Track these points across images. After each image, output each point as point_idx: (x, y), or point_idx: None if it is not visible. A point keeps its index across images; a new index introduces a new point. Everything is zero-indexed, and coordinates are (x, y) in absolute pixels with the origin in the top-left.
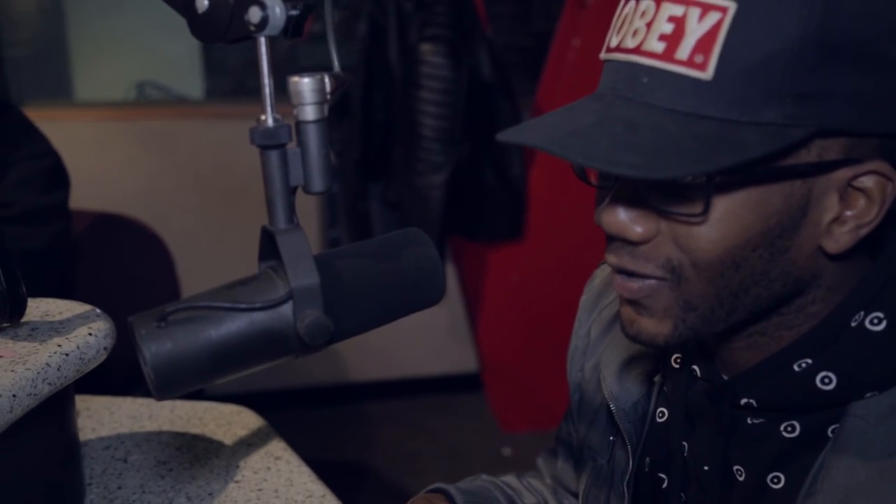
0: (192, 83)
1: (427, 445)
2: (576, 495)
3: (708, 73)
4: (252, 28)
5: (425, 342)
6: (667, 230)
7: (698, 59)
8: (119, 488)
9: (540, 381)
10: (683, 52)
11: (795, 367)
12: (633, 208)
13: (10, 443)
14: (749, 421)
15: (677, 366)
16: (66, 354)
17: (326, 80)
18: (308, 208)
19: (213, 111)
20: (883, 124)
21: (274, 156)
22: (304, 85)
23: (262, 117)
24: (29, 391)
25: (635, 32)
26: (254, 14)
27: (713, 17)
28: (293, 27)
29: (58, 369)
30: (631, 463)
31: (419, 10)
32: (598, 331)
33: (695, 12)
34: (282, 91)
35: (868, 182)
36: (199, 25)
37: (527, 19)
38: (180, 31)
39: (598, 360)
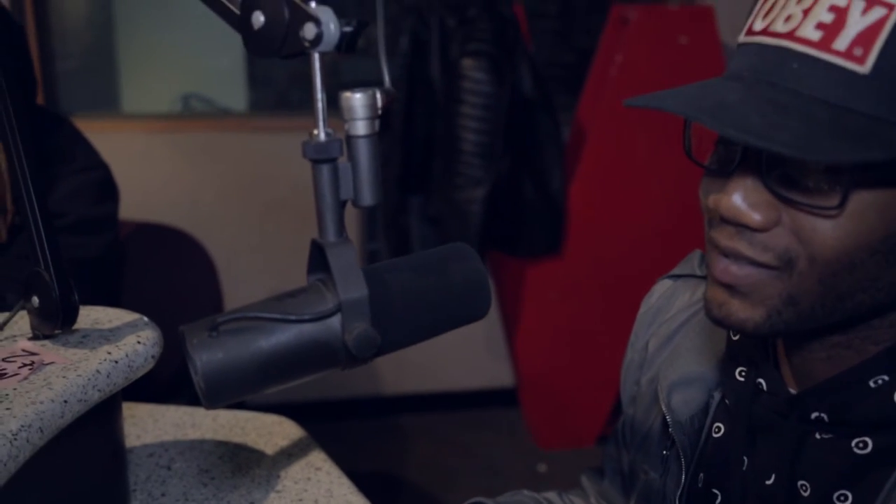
0: (236, 96)
1: (462, 460)
2: None
3: (865, 68)
4: (307, 44)
5: (462, 356)
6: (788, 221)
7: (857, 52)
8: (163, 495)
9: (576, 397)
10: (842, 43)
11: (871, 384)
12: (754, 195)
13: (60, 447)
14: (818, 436)
15: (742, 379)
16: (116, 362)
17: (378, 95)
18: (347, 221)
19: (257, 124)
20: None
21: (325, 170)
22: (357, 100)
23: (315, 132)
24: (80, 397)
25: (789, 18)
26: (309, 30)
27: (878, 13)
28: (346, 43)
29: (107, 376)
30: (684, 477)
31: (462, 26)
32: (656, 344)
33: (859, 5)
34: (330, 106)
35: None
36: (254, 41)
37: (569, 35)
38: (226, 43)
39: (655, 373)
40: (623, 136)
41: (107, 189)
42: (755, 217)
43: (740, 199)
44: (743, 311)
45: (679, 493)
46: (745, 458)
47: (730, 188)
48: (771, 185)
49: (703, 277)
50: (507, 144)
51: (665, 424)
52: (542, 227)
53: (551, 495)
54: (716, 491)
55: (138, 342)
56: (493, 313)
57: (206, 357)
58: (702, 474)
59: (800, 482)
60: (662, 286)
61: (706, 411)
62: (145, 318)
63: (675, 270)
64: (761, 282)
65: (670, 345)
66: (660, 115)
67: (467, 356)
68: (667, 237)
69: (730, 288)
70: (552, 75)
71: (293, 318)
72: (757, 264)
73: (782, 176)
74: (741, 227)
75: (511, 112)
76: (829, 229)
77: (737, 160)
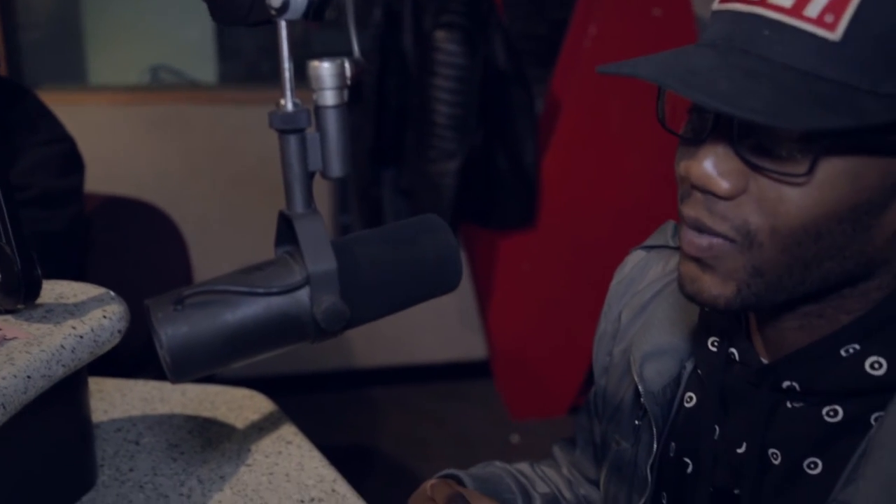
0: (205, 68)
1: (435, 432)
2: (594, 483)
3: (836, 35)
4: (273, 12)
5: (435, 329)
6: (755, 190)
7: (828, 18)
8: (131, 470)
9: (549, 368)
10: (813, 9)
11: (843, 353)
12: (725, 162)
13: (24, 423)
14: (789, 405)
15: (714, 349)
16: (81, 337)
17: (346, 65)
18: (320, 194)
19: (227, 96)
20: None
21: (293, 140)
22: (325, 70)
23: (282, 101)
24: (43, 372)
25: None
26: None
27: None
28: (314, 11)
29: (72, 351)
30: (656, 447)
31: None
32: (629, 315)
33: None
34: (299, 77)
35: None
36: (219, 9)
37: (542, 7)
38: (195, 15)
39: (628, 344)
40: (596, 108)
41: (71, 162)
42: (723, 185)
43: (710, 165)
44: (714, 288)
45: (650, 462)
46: (716, 427)
47: (700, 155)
48: (742, 152)
49: (676, 248)
50: (480, 117)
51: (637, 395)
52: (515, 199)
53: (523, 466)
54: (687, 460)
55: (104, 316)
56: (466, 285)
57: (171, 331)
58: (673, 444)
59: (770, 450)
60: (636, 257)
61: (678, 381)
62: (111, 293)
63: (649, 241)
64: (724, 254)
65: (643, 315)
66: (633, 86)
67: (440, 328)
68: (640, 209)
69: (699, 262)
70: (526, 48)
71: (260, 291)
72: (716, 234)
73: (753, 144)
74: (709, 194)
75: (484, 84)
76: (794, 199)
77: (709, 128)
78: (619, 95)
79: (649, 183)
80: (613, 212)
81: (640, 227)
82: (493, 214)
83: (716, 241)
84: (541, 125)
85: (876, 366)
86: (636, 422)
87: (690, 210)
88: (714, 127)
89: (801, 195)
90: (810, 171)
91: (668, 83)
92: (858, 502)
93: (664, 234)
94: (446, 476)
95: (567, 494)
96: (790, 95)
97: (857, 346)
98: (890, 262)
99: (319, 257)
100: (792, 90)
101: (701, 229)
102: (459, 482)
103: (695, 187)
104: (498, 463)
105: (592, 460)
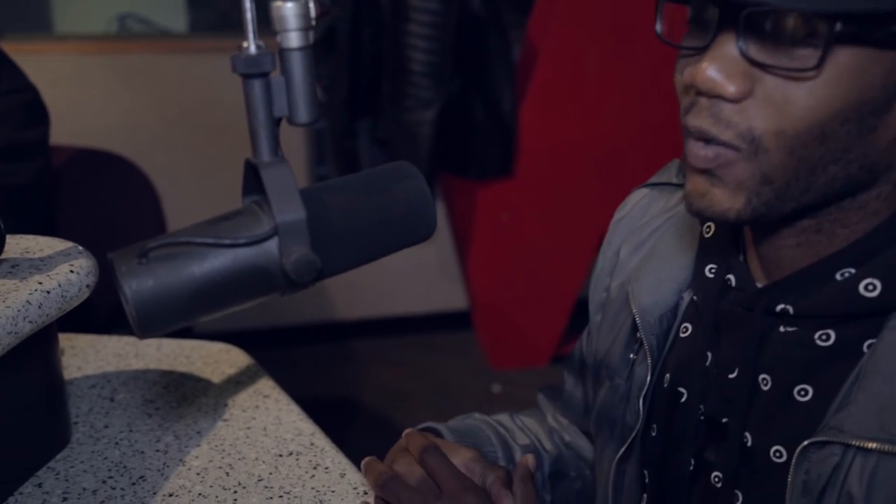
0: (174, 16)
1: (416, 383)
2: (582, 428)
3: None
4: None
5: (414, 280)
6: (760, 93)
7: None
8: (106, 427)
9: (529, 318)
10: None
11: (838, 276)
12: (731, 65)
13: None
14: (782, 329)
15: (711, 275)
16: (48, 292)
17: (311, 4)
18: (296, 145)
19: (197, 45)
20: None
21: (257, 85)
22: (288, 10)
23: (244, 44)
24: (9, 329)
25: None
26: None
27: None
28: None
29: (39, 307)
30: (650, 377)
31: None
32: (628, 250)
33: None
34: (265, 22)
35: None
36: None
37: None
38: None
39: (626, 277)
40: (574, 55)
41: (35, 112)
42: (729, 88)
43: (716, 69)
44: (725, 200)
45: (644, 392)
46: (708, 353)
47: (706, 59)
48: (748, 53)
49: (680, 185)
50: (456, 64)
51: (633, 328)
52: (493, 147)
53: (503, 417)
54: (682, 389)
55: (71, 271)
56: (446, 236)
57: (136, 285)
58: (668, 374)
59: (761, 376)
60: (638, 195)
61: (675, 312)
62: (79, 247)
63: (653, 179)
64: (731, 162)
65: (642, 249)
66: (612, 31)
67: (420, 279)
68: (619, 157)
69: (707, 174)
70: None
71: (227, 242)
72: (722, 143)
73: (758, 45)
74: (716, 98)
75: (460, 31)
76: (802, 97)
77: (713, 32)
78: (597, 41)
79: (629, 129)
80: (593, 159)
81: (620, 174)
82: (471, 163)
83: (722, 150)
84: (518, 72)
85: (870, 287)
86: (631, 355)
87: (695, 119)
88: (717, 31)
89: (806, 94)
90: (820, 63)
91: None
92: (850, 427)
93: (668, 172)
94: (425, 430)
95: (548, 445)
96: None
97: (853, 271)
98: (890, 169)
99: (287, 206)
100: None
101: (707, 140)
102: (438, 435)
103: (700, 94)
104: (477, 415)
105: (581, 401)
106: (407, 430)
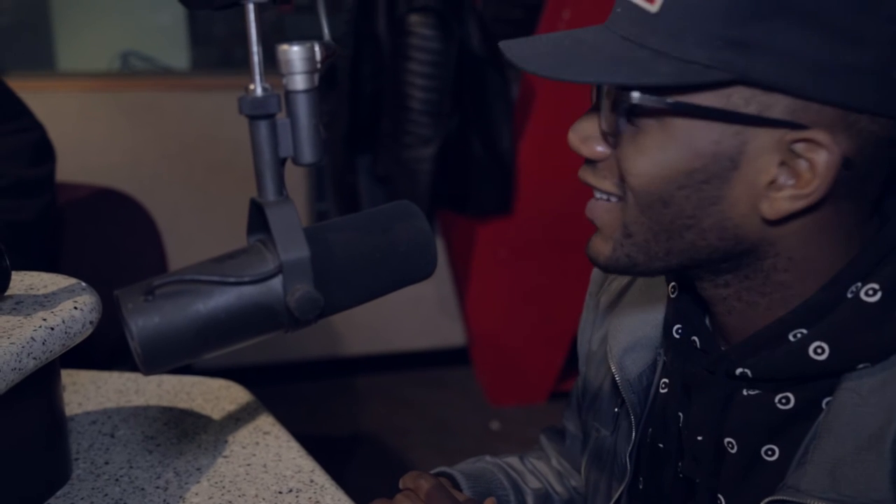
0: (177, 54)
1: (415, 419)
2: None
3: (655, 7)
4: None
5: (413, 316)
6: (618, 153)
7: None
8: (106, 463)
9: (528, 355)
10: None
11: (790, 337)
12: (588, 128)
13: None
14: (745, 392)
15: (678, 336)
16: (52, 328)
17: (316, 48)
18: (296, 181)
19: (199, 82)
20: (837, 94)
21: (263, 126)
22: (294, 53)
23: (251, 86)
24: (13, 366)
25: None
26: None
27: None
28: None
29: (43, 343)
30: (634, 434)
31: None
32: (606, 301)
33: None
34: (270, 63)
35: (811, 152)
36: None
37: None
38: (165, 0)
39: (605, 331)
40: (572, 92)
41: (42, 150)
42: (584, 151)
43: (576, 135)
44: (598, 246)
45: (630, 449)
46: (680, 414)
47: (577, 124)
48: (600, 120)
49: None
50: (455, 102)
51: (615, 382)
52: (491, 185)
53: (513, 460)
54: (661, 445)
55: (75, 308)
56: (444, 273)
57: (142, 322)
58: (651, 429)
59: (727, 439)
60: None
61: (654, 368)
62: (83, 284)
63: None
64: (606, 212)
65: (620, 302)
66: None
67: (419, 316)
68: None
69: (596, 226)
70: (500, 32)
71: (232, 280)
72: (602, 192)
73: (606, 111)
74: (587, 159)
75: (459, 69)
76: (636, 161)
77: (592, 102)
78: None
79: None
80: (590, 198)
81: None
82: (470, 201)
83: (601, 199)
84: (516, 110)
85: (819, 350)
86: (615, 409)
87: (581, 174)
88: (595, 101)
89: (641, 159)
90: (616, 132)
91: (512, 57)
92: (805, 486)
93: None
94: (439, 475)
95: (558, 488)
96: (599, 58)
97: (805, 331)
98: (773, 243)
99: (292, 245)
100: (605, 55)
101: (595, 191)
102: (452, 480)
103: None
104: (488, 457)
105: (581, 450)
106: (416, 474)
